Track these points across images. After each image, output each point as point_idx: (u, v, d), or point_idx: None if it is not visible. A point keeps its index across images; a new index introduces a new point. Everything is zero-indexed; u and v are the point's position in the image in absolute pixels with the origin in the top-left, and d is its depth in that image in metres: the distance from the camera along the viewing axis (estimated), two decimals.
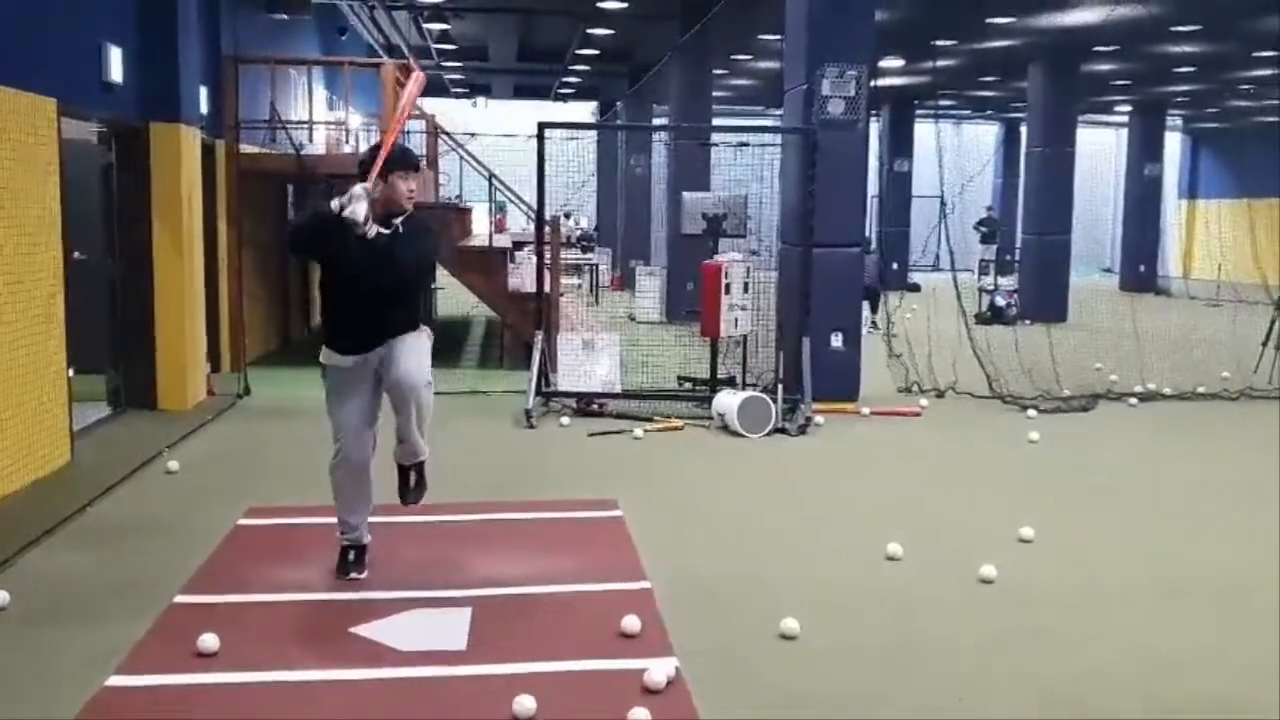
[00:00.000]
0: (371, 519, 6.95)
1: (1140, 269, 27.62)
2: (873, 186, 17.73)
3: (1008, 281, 21.05)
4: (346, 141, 17.02)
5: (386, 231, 5.50)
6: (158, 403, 10.37)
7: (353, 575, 5.86)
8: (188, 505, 7.33)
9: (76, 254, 9.00)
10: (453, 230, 14.31)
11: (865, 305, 16.11)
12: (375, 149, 5.74)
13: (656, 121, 25.81)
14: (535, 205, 11.44)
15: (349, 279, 5.62)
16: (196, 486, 7.85)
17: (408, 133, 16.82)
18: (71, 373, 8.49)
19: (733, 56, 22.50)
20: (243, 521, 6.91)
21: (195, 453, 8.87)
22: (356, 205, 5.32)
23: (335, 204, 5.37)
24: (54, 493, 7.49)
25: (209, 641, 4.84)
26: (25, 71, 7.71)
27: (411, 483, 6.04)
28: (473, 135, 17.82)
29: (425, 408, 5.86)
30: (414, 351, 5.77)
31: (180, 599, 5.53)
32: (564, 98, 32.35)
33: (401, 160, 5.62)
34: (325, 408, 5.84)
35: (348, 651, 4.93)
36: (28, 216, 7.72)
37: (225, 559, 6.21)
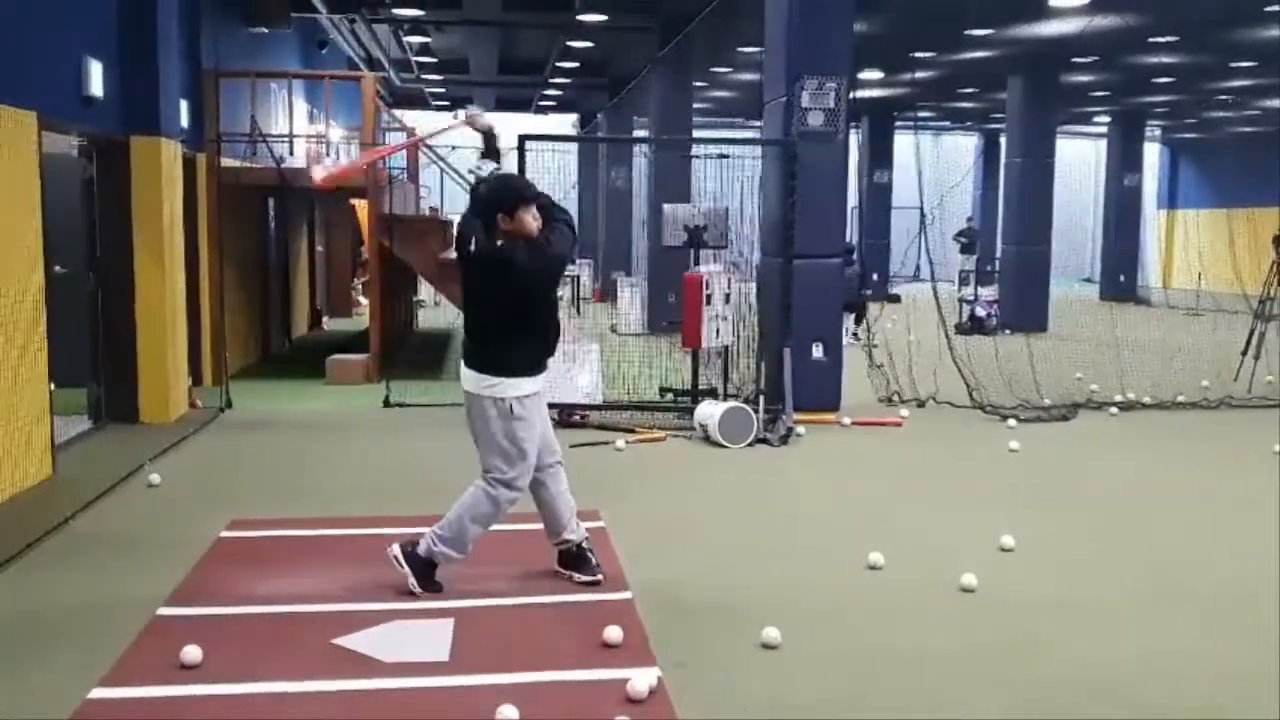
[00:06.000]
0: (354, 530, 6.99)
1: (1120, 279, 27.77)
2: (852, 198, 17.77)
3: (988, 292, 21.13)
4: (327, 154, 17.00)
5: None
6: (139, 416, 10.35)
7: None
8: (170, 518, 7.32)
9: (57, 268, 8.99)
10: (433, 242, 14.33)
11: (850, 317, 16.21)
12: (496, 193, 5.86)
13: (637, 133, 25.87)
14: None
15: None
16: (179, 499, 7.83)
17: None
18: (53, 386, 8.47)
19: (712, 69, 22.58)
20: (225, 534, 6.90)
21: (177, 466, 8.86)
22: None
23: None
24: (35, 507, 7.47)
25: (192, 653, 4.83)
26: (4, 85, 7.70)
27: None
28: (453, 148, 17.81)
29: None
30: None
31: (163, 611, 5.53)
32: (545, 110, 32.40)
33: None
34: (501, 442, 5.81)
35: (331, 663, 4.93)
36: (8, 230, 7.71)
37: (208, 571, 6.21)
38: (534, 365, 5.85)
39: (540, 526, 6.15)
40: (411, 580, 5.74)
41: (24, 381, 7.93)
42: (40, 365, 8.23)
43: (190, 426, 10.30)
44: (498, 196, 5.77)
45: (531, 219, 5.72)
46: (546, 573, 6.12)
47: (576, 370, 11.08)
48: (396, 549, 5.83)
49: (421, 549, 5.78)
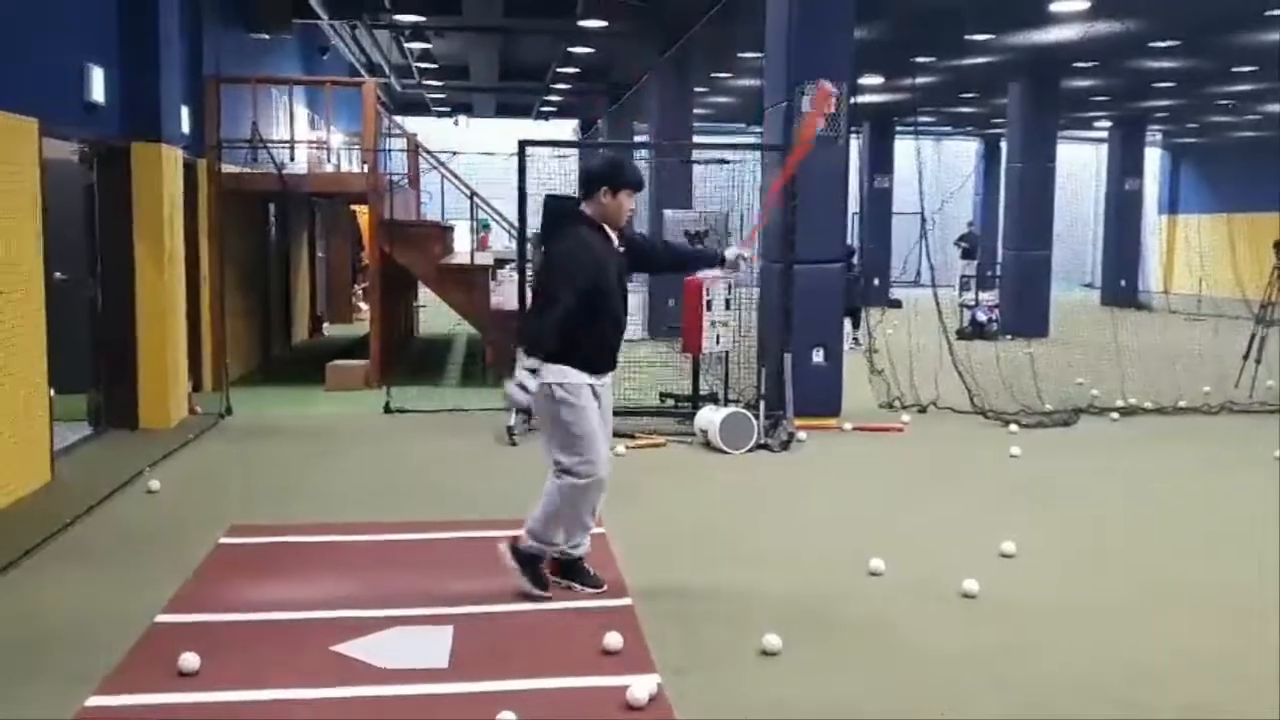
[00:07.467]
0: (354, 537, 6.98)
1: (1121, 284, 27.71)
2: (853, 203, 17.76)
3: (989, 297, 21.11)
4: (328, 160, 17.01)
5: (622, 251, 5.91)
6: (139, 422, 10.34)
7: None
8: (169, 524, 7.31)
9: (58, 274, 8.98)
10: (435, 248, 14.36)
11: (847, 321, 16.16)
12: (613, 165, 5.89)
13: (638, 139, 25.88)
14: (517, 223, 11.44)
15: (613, 305, 5.81)
16: (178, 505, 7.83)
17: (389, 150, 16.86)
18: (53, 392, 8.46)
19: (713, 74, 22.58)
20: (225, 540, 6.89)
21: (177, 472, 8.85)
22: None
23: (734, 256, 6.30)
24: (35, 512, 7.46)
25: (190, 661, 4.82)
26: (6, 92, 7.70)
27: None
28: (454, 154, 17.84)
29: None
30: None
31: (162, 618, 5.52)
32: (546, 116, 32.41)
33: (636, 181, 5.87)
34: (560, 433, 5.75)
35: (330, 670, 4.92)
36: (8, 237, 7.71)
37: (207, 578, 6.20)
38: (581, 357, 5.72)
39: None
40: (525, 584, 5.82)
41: (23, 387, 7.92)
42: (40, 371, 8.22)
43: (190, 432, 10.29)
44: (611, 171, 5.82)
45: (631, 207, 5.81)
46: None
47: None
48: (508, 556, 5.87)
49: (533, 551, 5.85)
